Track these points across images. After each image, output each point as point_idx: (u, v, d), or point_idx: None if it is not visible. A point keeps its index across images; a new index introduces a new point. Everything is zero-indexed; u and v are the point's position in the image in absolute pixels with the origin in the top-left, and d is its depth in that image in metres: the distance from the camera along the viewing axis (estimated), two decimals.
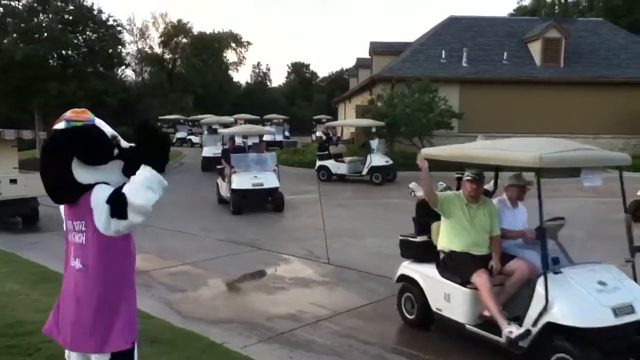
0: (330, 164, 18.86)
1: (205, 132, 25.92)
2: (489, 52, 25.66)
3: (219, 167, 14.64)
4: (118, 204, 2.54)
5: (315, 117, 41.84)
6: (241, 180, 12.95)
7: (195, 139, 33.83)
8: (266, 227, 11.69)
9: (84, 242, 2.68)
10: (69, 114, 2.74)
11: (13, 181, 11.57)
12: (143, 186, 2.53)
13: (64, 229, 2.85)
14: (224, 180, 13.96)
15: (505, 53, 25.29)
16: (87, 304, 2.67)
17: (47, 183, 2.72)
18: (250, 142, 20.34)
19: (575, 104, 23.47)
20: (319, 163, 19.18)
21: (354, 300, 6.95)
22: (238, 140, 16.72)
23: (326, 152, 19.17)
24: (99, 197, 2.61)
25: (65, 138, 2.68)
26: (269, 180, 13.20)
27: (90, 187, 2.68)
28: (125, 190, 2.55)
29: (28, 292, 6.61)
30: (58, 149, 2.68)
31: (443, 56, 25.10)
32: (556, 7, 43.75)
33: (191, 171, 21.57)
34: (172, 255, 9.19)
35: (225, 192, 13.74)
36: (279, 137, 33.46)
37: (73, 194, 2.69)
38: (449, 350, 5.38)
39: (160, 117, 39.87)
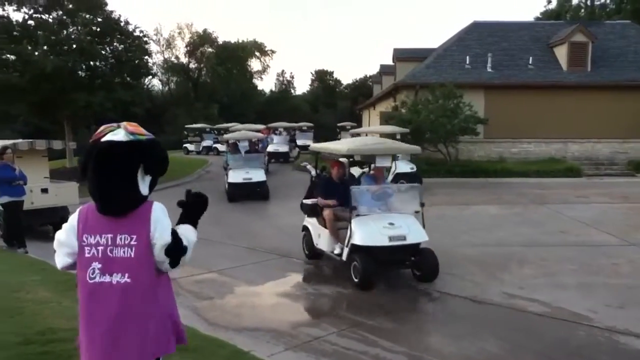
0: (355, 171, 18.81)
1: (225, 147, 20.93)
2: (514, 57, 25.42)
3: (307, 201, 9.44)
4: (179, 252, 2.77)
5: (339, 124, 41.79)
6: (371, 232, 7.87)
7: (221, 147, 34.00)
8: (290, 234, 11.71)
9: (131, 256, 2.64)
10: (129, 127, 2.74)
11: (44, 190, 11.84)
12: (192, 247, 2.87)
13: (88, 241, 2.69)
14: (323, 225, 8.89)
15: (530, 58, 25.02)
16: (129, 318, 2.65)
17: (110, 193, 2.65)
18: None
19: (602, 108, 23.10)
20: None
21: (381, 308, 6.94)
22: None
23: (350, 160, 19.16)
24: (165, 225, 2.71)
25: (138, 150, 2.69)
26: (413, 231, 8.02)
27: (144, 199, 2.74)
28: (184, 243, 2.80)
29: (59, 300, 6.75)
30: (129, 159, 2.67)
31: (467, 62, 24.94)
32: (582, 11, 43.15)
33: (217, 180, 21.57)
34: (199, 262, 9.28)
35: (328, 246, 8.74)
36: (285, 148, 29.39)
37: (134, 206, 2.68)
38: (480, 356, 5.34)
39: (186, 126, 40.43)
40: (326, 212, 8.72)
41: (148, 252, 2.68)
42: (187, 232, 2.85)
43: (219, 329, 6.12)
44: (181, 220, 2.91)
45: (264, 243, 10.83)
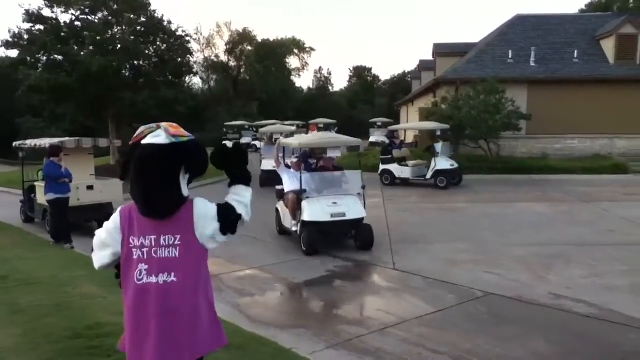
0: (393, 167, 18.70)
1: (264, 142, 22.55)
2: (559, 51, 24.77)
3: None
4: (233, 222, 2.81)
5: (371, 121, 41.19)
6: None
7: (259, 144, 34.06)
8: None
9: (176, 256, 2.65)
10: (171, 129, 2.70)
11: (90, 187, 12.12)
12: (249, 204, 2.90)
13: (134, 243, 2.68)
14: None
15: (575, 51, 24.36)
16: (177, 318, 2.66)
17: (154, 196, 2.62)
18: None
19: None
20: (382, 167, 19.05)
21: (422, 307, 6.84)
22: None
23: (389, 156, 19.03)
24: (208, 211, 2.75)
25: (181, 153, 2.67)
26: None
27: (186, 199, 2.73)
28: (239, 209, 2.84)
29: (105, 295, 6.87)
30: (172, 163, 2.65)
31: (510, 56, 24.45)
32: (631, 1, 41.63)
33: (256, 176, 21.68)
34: (240, 259, 9.34)
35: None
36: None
37: (177, 208, 2.67)
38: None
39: (225, 124, 40.81)
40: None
41: (193, 251, 2.68)
42: (239, 194, 2.89)
43: (261, 326, 6.12)
44: (232, 182, 2.93)
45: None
